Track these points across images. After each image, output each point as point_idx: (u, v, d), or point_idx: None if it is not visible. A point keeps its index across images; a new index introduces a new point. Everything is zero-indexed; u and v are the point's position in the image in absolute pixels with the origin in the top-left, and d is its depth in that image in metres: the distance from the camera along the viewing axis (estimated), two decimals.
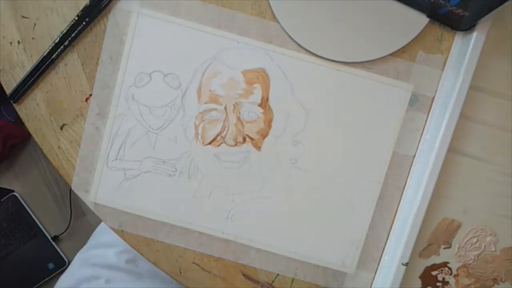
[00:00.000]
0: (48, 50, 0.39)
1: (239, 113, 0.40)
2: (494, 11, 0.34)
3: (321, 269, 0.41)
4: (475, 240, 0.41)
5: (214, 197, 0.40)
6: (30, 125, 0.41)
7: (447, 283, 0.41)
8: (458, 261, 0.41)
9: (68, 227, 1.11)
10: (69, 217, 1.12)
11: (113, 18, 0.39)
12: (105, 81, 0.40)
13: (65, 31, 0.39)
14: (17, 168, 1.22)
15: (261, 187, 0.40)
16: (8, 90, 0.40)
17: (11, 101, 0.40)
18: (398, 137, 0.40)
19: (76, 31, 0.39)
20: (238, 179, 0.40)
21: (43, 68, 0.39)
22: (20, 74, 0.40)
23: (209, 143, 0.40)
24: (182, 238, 0.41)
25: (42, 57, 0.39)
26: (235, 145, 0.40)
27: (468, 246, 0.41)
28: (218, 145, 0.40)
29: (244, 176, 0.40)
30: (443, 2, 0.35)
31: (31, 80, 0.39)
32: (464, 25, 0.37)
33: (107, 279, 0.56)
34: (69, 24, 0.39)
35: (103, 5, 0.38)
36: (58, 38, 0.39)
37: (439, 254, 0.41)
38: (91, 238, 0.63)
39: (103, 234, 0.61)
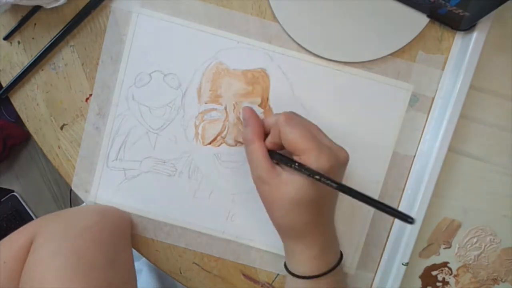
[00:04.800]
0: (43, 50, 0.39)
1: (239, 113, 0.40)
2: (494, 11, 0.34)
3: None
4: (475, 240, 0.41)
5: (214, 197, 0.40)
6: (30, 125, 0.41)
7: (447, 283, 0.41)
8: (458, 261, 0.41)
9: None
10: None
11: (113, 18, 0.39)
12: (105, 81, 0.40)
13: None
14: (17, 168, 1.23)
15: None
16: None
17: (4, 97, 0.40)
18: (398, 137, 0.40)
19: (69, 25, 0.39)
20: (238, 179, 0.40)
21: (31, 61, 0.39)
22: None
23: (209, 143, 0.40)
24: (182, 238, 0.41)
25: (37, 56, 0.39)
26: (235, 145, 0.40)
27: (468, 246, 0.41)
28: (218, 145, 0.40)
29: (244, 176, 0.40)
30: (443, 2, 0.35)
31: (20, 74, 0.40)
32: (464, 25, 0.37)
33: None
34: (68, 24, 0.39)
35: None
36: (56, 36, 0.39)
37: (439, 254, 0.41)
38: None
39: None
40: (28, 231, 0.32)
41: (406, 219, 0.25)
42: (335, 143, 0.33)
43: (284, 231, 0.35)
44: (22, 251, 0.31)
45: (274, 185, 0.32)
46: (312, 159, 0.30)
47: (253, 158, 0.33)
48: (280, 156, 0.33)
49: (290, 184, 0.31)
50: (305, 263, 0.34)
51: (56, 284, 0.28)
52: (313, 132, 0.32)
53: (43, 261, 0.30)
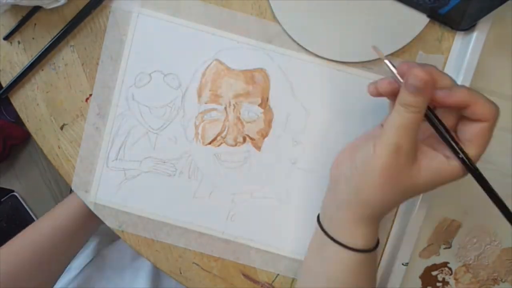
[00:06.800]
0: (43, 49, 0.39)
1: (239, 113, 0.40)
2: (494, 11, 0.34)
3: None
4: (475, 240, 0.41)
5: (214, 197, 0.40)
6: (30, 125, 0.41)
7: (447, 283, 0.41)
8: (458, 261, 0.41)
9: None
10: None
11: (113, 18, 0.39)
12: (105, 81, 0.40)
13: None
14: (17, 168, 1.23)
15: (261, 187, 0.40)
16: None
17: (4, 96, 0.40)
18: None
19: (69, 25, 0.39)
20: (238, 179, 0.40)
21: (31, 61, 0.39)
22: None
23: (209, 143, 0.40)
24: (182, 238, 0.41)
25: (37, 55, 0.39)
26: (235, 145, 0.40)
27: (468, 246, 0.41)
28: (218, 145, 0.40)
29: (244, 176, 0.40)
30: (443, 2, 0.35)
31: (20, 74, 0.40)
32: (464, 25, 0.37)
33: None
34: (68, 24, 0.39)
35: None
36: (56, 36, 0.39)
37: (439, 254, 0.41)
38: None
39: None
40: None
41: None
42: None
43: (362, 208, 0.31)
44: None
45: (407, 164, 0.28)
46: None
47: (406, 126, 0.28)
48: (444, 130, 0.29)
49: (425, 171, 0.29)
50: (362, 237, 0.32)
51: None
52: None
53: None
